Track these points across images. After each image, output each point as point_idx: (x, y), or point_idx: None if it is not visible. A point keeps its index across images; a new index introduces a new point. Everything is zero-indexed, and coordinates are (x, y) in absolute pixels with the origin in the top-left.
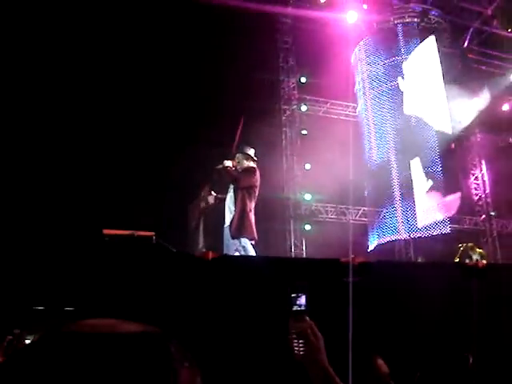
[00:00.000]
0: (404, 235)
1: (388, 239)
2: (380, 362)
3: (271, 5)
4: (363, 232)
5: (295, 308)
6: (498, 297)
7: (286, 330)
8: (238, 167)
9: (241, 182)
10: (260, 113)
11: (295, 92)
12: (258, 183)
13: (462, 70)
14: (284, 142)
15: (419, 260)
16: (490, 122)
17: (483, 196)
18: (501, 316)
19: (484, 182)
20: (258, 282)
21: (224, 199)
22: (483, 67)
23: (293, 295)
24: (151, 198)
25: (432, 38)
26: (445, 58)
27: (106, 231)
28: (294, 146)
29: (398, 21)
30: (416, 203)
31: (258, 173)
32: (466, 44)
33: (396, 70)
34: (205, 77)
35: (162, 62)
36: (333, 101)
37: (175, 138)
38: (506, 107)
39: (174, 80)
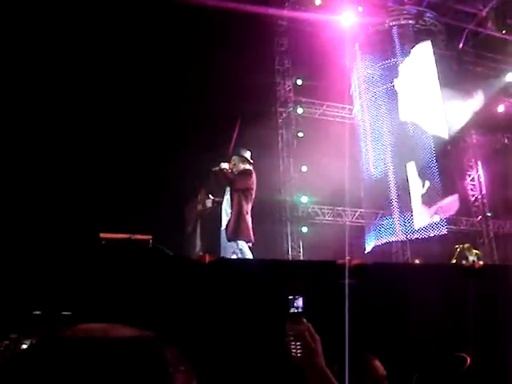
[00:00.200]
0: (401, 237)
1: (385, 241)
2: (377, 363)
3: (267, 7)
4: (360, 234)
5: (292, 310)
6: (495, 297)
7: (283, 333)
8: (234, 170)
9: (237, 184)
10: (256, 115)
11: (291, 94)
12: (254, 186)
13: (457, 71)
14: (280, 144)
15: (416, 262)
16: (485, 123)
17: (479, 197)
18: (497, 317)
19: (480, 183)
20: (255, 284)
21: (221, 202)
22: (478, 69)
23: (289, 297)
24: (148, 201)
25: (428, 43)
26: (440, 60)
27: (102, 235)
28: (290, 148)
29: (393, 23)
30: (413, 205)
31: (254, 175)
32: (461, 46)
33: (392, 72)
34: (201, 79)
35: (157, 64)
36: (329, 103)
37: (171, 141)
38: (501, 108)
39: (169, 82)
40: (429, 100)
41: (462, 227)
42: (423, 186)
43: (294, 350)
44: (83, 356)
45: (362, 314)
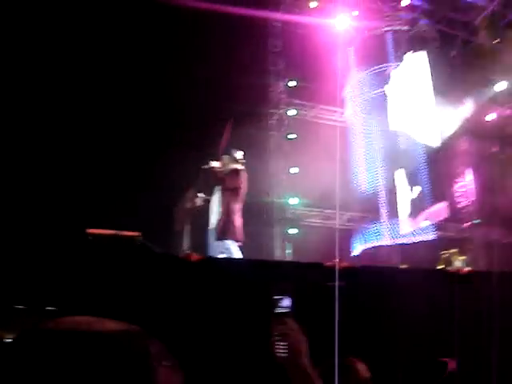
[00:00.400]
0: (388, 241)
1: (372, 245)
2: (361, 366)
3: (261, 8)
4: (347, 237)
5: (278, 310)
6: (480, 303)
7: (268, 332)
8: (225, 169)
9: (226, 183)
10: (247, 116)
11: (283, 96)
12: (243, 185)
13: (449, 78)
14: (271, 145)
15: (403, 266)
16: (475, 130)
17: (467, 204)
18: (482, 322)
19: (469, 189)
20: (242, 283)
21: (210, 200)
22: (469, 76)
23: (276, 297)
24: (136, 198)
25: (423, 53)
26: (432, 66)
27: (89, 230)
28: (281, 150)
29: (388, 28)
30: (400, 210)
31: (244, 175)
32: (453, 53)
33: (384, 78)
34: (192, 78)
35: (148, 63)
36: (321, 106)
37: (161, 140)
38: (491, 117)
39: (160, 82)
40: (421, 110)
41: (450, 233)
42: (413, 191)
43: (278, 350)
44: (65, 348)
45: (348, 316)
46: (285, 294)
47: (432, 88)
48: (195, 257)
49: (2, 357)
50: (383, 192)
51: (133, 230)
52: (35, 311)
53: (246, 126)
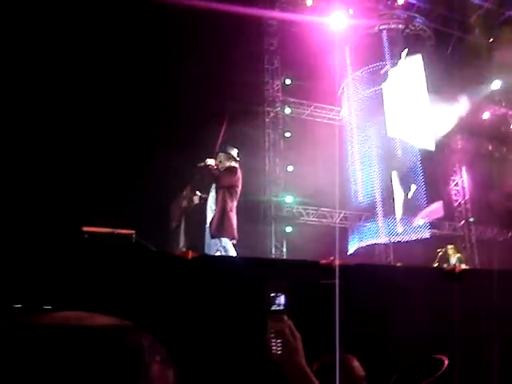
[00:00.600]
0: (384, 240)
1: (368, 243)
2: (355, 363)
3: (257, 7)
4: (343, 235)
5: (274, 308)
6: (475, 302)
7: (264, 330)
8: (220, 166)
9: (221, 180)
10: (243, 114)
11: (279, 94)
12: (239, 183)
13: (444, 76)
14: (267, 143)
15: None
16: (470, 129)
17: (463, 202)
18: (479, 320)
19: (464, 188)
20: (237, 281)
21: (207, 198)
22: (464, 75)
23: (271, 295)
24: (132, 197)
25: (418, 56)
26: (427, 65)
27: (85, 228)
28: (276, 148)
29: (383, 26)
30: (397, 208)
31: (239, 172)
32: (449, 51)
33: (380, 76)
34: (189, 76)
35: (145, 62)
36: (317, 104)
37: (157, 138)
38: (486, 115)
39: (156, 79)
40: (416, 112)
41: (445, 231)
42: (410, 189)
43: (274, 348)
44: (55, 343)
45: (344, 314)
46: (280, 291)
47: (427, 92)
48: (191, 254)
49: None
50: (379, 190)
51: (128, 228)
52: (30, 310)
53: (241, 124)
